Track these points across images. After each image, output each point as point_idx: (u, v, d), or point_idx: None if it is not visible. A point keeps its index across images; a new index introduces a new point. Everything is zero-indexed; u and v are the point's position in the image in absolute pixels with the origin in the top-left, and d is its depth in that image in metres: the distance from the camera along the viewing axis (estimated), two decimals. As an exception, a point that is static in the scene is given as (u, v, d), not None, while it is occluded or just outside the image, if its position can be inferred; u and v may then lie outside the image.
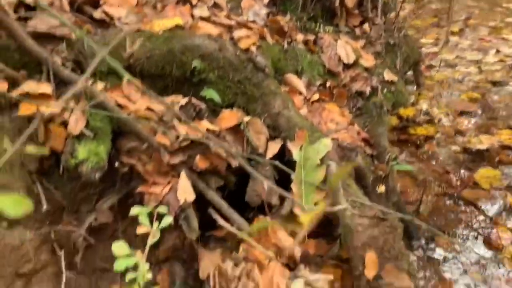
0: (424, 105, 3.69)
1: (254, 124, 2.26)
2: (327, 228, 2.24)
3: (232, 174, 2.24)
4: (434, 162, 2.95)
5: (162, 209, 1.50)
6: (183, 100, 2.00)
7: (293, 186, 2.07)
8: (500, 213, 2.49)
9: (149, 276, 1.29)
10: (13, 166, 1.68)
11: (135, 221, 2.22)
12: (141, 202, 1.98)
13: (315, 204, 1.97)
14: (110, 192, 2.00)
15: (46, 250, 1.82)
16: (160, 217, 1.84)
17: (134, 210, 1.42)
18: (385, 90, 2.92)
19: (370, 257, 1.78)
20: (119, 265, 1.27)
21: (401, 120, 3.45)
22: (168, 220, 1.41)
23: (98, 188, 1.99)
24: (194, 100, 2.00)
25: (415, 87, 3.91)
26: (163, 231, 2.27)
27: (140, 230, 1.39)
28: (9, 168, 1.66)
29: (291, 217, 2.08)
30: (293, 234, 2.06)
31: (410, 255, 1.84)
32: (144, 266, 1.28)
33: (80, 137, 1.72)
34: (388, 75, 2.99)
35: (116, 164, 1.81)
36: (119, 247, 1.29)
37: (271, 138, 2.28)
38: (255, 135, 2.24)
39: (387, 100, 3.02)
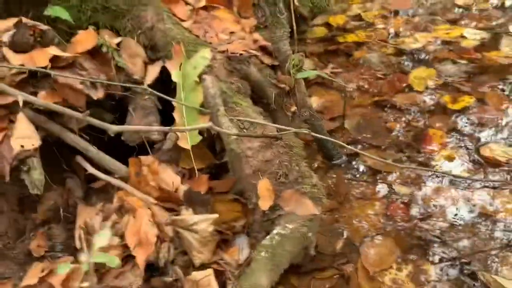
0: (356, 10, 3.28)
1: (127, 46, 1.83)
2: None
3: (106, 109, 1.85)
4: (364, 70, 2.60)
5: None
6: (11, 22, 1.55)
7: (175, 113, 1.70)
8: (434, 114, 2.19)
9: None
10: None
11: (1, 182, 1.84)
12: None
13: (201, 132, 1.61)
14: None
15: None
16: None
17: None
18: (300, -7, 2.50)
19: (264, 184, 1.45)
20: None
21: (330, 30, 3.04)
22: None
23: None
24: (26, 21, 1.55)
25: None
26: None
27: None
28: None
29: (179, 152, 1.72)
30: (184, 171, 1.72)
31: (314, 177, 1.51)
32: None
33: None
34: (304, -25, 2.55)
35: None
36: None
37: (151, 60, 1.86)
38: (130, 59, 1.82)
39: (303, 5, 2.61)
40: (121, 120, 1.86)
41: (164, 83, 1.83)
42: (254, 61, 1.76)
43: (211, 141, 1.80)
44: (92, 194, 1.86)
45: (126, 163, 1.72)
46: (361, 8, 3.31)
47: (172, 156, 1.72)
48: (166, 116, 1.83)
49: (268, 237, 1.38)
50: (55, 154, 1.84)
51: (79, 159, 1.69)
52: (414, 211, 1.69)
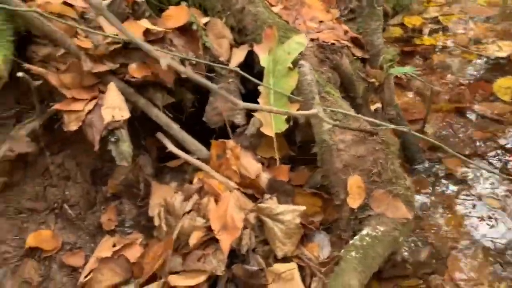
0: (433, 13, 3.14)
1: (214, 26, 1.79)
2: (309, 152, 1.82)
3: (188, 90, 1.81)
4: (444, 74, 2.47)
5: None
6: (110, -8, 1.53)
7: (261, 99, 1.64)
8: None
9: None
10: None
11: (77, 151, 1.83)
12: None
13: (288, 120, 1.55)
14: (30, 116, 1.59)
15: None
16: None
17: None
18: (384, -11, 2.40)
19: (355, 181, 1.37)
20: None
21: (405, 31, 2.92)
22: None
23: (13, 110, 1.58)
24: (125, -9, 1.53)
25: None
26: (113, 163, 1.90)
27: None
28: None
29: (259, 139, 1.66)
30: (262, 159, 1.66)
31: (407, 179, 1.42)
32: None
33: (-38, 38, 1.29)
34: (389, -29, 2.45)
35: (20, 74, 1.38)
36: None
37: (237, 43, 1.82)
38: (216, 40, 1.78)
39: (387, 1, 2.50)
40: (201, 102, 1.82)
41: (248, 67, 1.78)
42: (346, 52, 1.68)
43: (289, 131, 1.74)
44: (166, 173, 1.83)
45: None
46: (438, 11, 3.17)
47: (252, 142, 1.67)
48: (247, 101, 1.78)
49: (357, 237, 1.30)
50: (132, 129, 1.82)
51: (160, 135, 1.66)
52: (506, 225, 1.57)
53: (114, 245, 1.60)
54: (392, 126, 1.33)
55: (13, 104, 1.60)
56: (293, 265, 1.30)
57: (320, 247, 1.44)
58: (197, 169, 1.69)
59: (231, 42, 1.79)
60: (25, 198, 1.66)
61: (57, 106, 1.46)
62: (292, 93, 1.54)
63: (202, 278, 1.21)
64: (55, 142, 1.73)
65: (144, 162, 1.85)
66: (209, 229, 1.33)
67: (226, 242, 1.27)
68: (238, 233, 1.28)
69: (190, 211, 1.42)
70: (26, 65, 1.40)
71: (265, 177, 1.50)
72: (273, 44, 1.63)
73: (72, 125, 1.44)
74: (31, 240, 1.55)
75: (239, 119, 1.67)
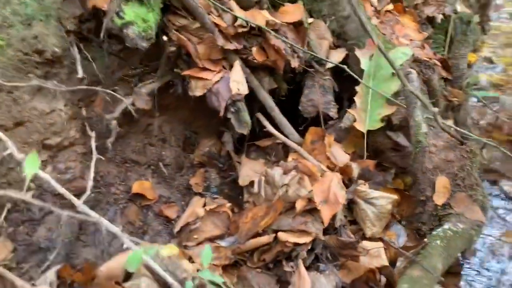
0: (487, 53, 3.35)
1: (317, 27, 1.98)
2: (379, 156, 2.00)
3: (284, 81, 1.99)
4: (498, 109, 2.66)
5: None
6: (244, -20, 1.72)
7: (357, 98, 1.82)
8: None
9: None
10: (49, 18, 1.44)
11: (173, 118, 2.01)
12: (184, 92, 1.76)
13: (382, 119, 1.73)
14: (152, 77, 1.77)
15: (76, 127, 1.61)
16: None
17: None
18: (456, 22, 2.60)
19: (442, 182, 1.55)
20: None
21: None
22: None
23: (139, 69, 1.76)
24: (257, -18, 1.72)
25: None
26: (198, 136, 2.08)
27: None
28: (44, 19, 1.43)
29: (349, 133, 1.84)
30: (347, 152, 1.83)
31: (484, 188, 1.60)
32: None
33: (127, -3, 1.47)
34: (461, 7, 2.64)
35: (164, 37, 1.56)
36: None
37: (334, 46, 2.00)
38: (317, 40, 1.97)
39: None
40: (292, 93, 2.00)
41: (340, 69, 1.95)
42: (437, 70, 1.87)
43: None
44: (252, 151, 2.00)
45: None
46: (491, 52, 3.38)
47: (339, 135, 1.85)
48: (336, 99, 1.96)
49: (440, 229, 1.48)
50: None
51: (260, 116, 1.83)
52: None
53: (204, 205, 1.77)
54: (480, 138, 1.51)
55: (137, 65, 1.78)
56: (381, 244, 1.46)
57: (397, 236, 1.61)
58: (284, 151, 1.87)
59: (330, 44, 1.98)
60: (129, 150, 1.83)
61: (187, 72, 1.63)
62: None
63: (308, 238, 1.38)
64: (157, 106, 1.91)
65: (227, 138, 2.03)
66: (309, 200, 1.50)
67: (327, 213, 1.44)
68: (339, 207, 1.44)
69: (288, 183, 1.59)
70: (173, 32, 1.58)
71: (355, 167, 1.68)
72: (374, 51, 1.82)
73: (198, 91, 1.61)
74: (136, 187, 1.72)
75: (333, 112, 1.84)
